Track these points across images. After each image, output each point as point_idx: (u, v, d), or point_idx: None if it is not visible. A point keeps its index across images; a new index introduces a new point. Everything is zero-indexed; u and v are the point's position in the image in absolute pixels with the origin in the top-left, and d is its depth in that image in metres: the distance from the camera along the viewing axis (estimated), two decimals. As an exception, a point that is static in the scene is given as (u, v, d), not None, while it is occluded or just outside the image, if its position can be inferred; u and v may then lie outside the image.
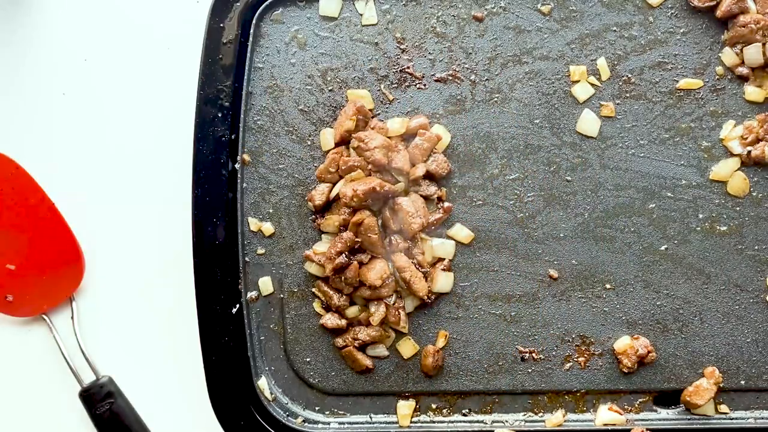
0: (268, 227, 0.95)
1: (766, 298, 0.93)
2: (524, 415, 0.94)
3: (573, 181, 0.94)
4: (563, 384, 0.94)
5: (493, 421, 0.94)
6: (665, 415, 0.94)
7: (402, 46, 0.95)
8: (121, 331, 1.02)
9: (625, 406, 0.94)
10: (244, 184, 0.95)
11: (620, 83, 0.94)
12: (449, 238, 0.94)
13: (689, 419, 0.93)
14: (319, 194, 0.94)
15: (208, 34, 0.94)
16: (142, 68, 1.03)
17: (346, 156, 0.93)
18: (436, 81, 0.95)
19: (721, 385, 0.92)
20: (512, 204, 0.94)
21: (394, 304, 0.93)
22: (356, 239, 0.92)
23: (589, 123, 0.94)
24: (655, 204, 0.94)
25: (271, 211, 0.96)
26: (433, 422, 0.95)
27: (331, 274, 0.92)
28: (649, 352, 0.93)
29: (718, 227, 0.93)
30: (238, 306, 0.94)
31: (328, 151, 0.94)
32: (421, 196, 0.94)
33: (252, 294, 0.95)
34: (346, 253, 0.92)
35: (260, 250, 0.95)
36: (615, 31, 0.94)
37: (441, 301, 0.94)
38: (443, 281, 0.94)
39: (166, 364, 1.01)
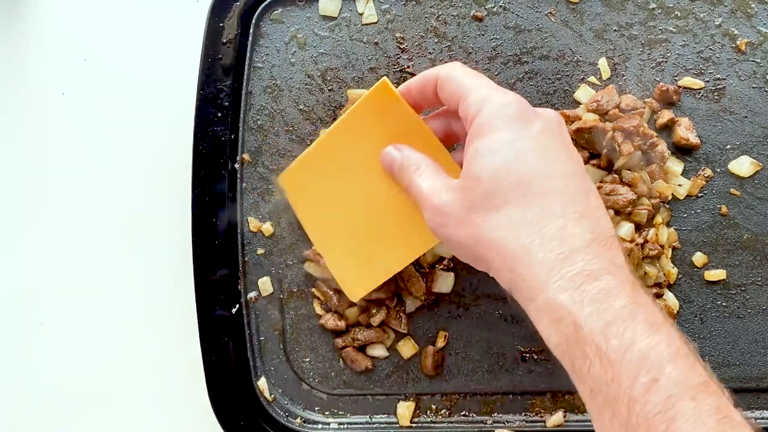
0: (268, 227, 0.95)
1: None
2: (524, 415, 0.94)
3: (573, 181, 0.94)
4: (563, 384, 0.93)
5: (493, 422, 0.94)
6: (665, 415, 0.93)
7: (402, 46, 0.95)
8: (120, 331, 1.02)
9: (625, 407, 0.94)
10: (244, 184, 0.95)
11: (620, 83, 0.94)
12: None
13: (689, 419, 0.93)
14: (319, 194, 0.93)
15: (207, 34, 0.93)
16: (141, 68, 1.03)
17: (346, 156, 0.93)
18: (436, 81, 0.94)
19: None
20: (512, 204, 0.94)
21: (395, 306, 0.93)
22: (356, 239, 0.92)
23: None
24: (655, 204, 0.94)
25: (271, 211, 0.95)
26: (433, 422, 0.95)
27: (330, 275, 0.91)
28: (649, 352, 0.92)
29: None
30: (238, 306, 0.94)
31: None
32: (421, 196, 0.93)
33: (252, 294, 0.95)
34: (346, 253, 0.92)
35: (260, 250, 0.95)
36: (615, 30, 0.94)
37: (441, 301, 0.94)
38: (443, 281, 0.93)
39: (165, 363, 1.01)
